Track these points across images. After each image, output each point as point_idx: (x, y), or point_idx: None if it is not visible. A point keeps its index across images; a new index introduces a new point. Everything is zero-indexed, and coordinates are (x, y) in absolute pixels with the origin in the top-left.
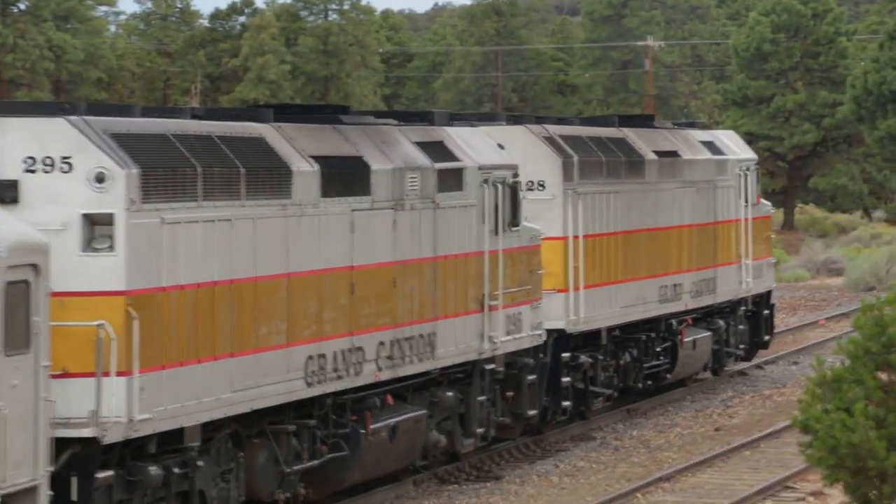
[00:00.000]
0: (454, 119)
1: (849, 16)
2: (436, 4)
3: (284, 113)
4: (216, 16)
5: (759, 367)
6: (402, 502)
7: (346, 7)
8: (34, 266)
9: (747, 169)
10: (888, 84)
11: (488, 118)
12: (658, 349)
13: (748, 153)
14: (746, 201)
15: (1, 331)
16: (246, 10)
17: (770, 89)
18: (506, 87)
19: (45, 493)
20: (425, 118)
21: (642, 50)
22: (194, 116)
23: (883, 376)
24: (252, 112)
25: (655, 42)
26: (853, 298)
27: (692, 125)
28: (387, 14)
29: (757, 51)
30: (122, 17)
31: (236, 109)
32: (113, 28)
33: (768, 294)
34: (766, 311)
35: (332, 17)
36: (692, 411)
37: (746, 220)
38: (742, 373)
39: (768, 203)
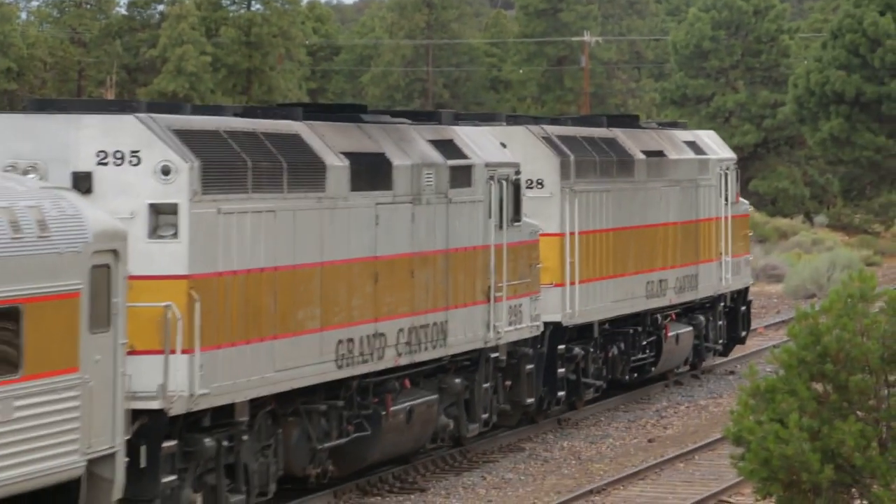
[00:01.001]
0: (458, 119)
1: (792, 13)
2: None
3: (310, 111)
4: (134, 4)
5: (695, 375)
6: None
7: None
8: (115, 251)
9: (727, 168)
10: (831, 84)
11: (489, 118)
12: (644, 343)
13: (728, 153)
14: (726, 200)
15: (87, 310)
16: None
17: (710, 88)
18: (437, 82)
19: (122, 460)
20: (433, 118)
21: (578, 46)
22: (234, 114)
23: (818, 387)
24: (284, 110)
25: (592, 38)
26: (793, 306)
27: (674, 125)
28: (313, 5)
29: (696, 48)
30: (34, 3)
31: (270, 108)
32: (24, 15)
33: (745, 290)
34: (744, 308)
35: (256, 6)
36: (625, 422)
37: (726, 217)
38: (678, 382)
39: (746, 202)
